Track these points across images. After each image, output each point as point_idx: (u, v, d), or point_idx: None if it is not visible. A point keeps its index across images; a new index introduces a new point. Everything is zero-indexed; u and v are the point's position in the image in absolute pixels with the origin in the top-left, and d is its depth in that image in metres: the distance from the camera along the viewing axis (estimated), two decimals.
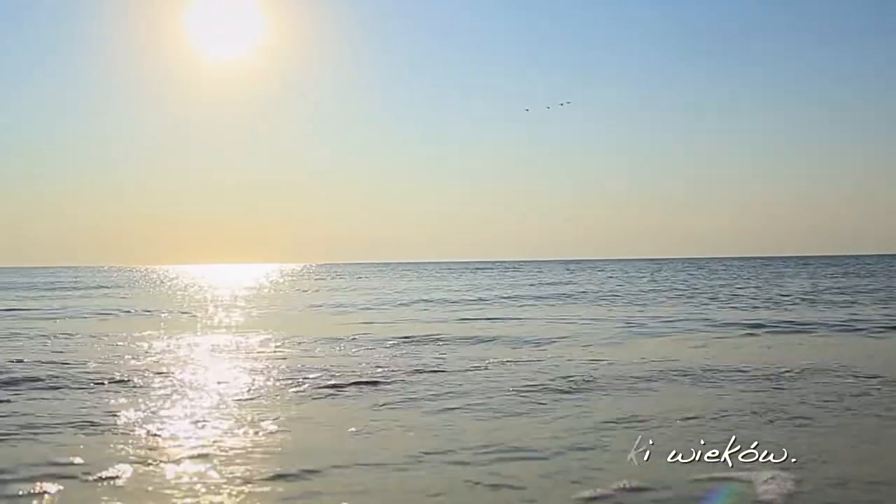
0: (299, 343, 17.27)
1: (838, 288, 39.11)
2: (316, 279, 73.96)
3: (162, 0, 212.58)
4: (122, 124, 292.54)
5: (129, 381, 11.71)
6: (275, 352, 15.76)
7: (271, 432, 8.14)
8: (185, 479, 6.44)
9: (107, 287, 57.37)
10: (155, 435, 8.05)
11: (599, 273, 74.77)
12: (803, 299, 31.14)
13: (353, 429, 8.27)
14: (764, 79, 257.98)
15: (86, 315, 27.81)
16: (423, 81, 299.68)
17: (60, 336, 19.43)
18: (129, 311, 29.55)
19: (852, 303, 28.56)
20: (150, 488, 6.19)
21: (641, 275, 67.75)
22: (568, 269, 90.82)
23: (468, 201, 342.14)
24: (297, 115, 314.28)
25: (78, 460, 6.92)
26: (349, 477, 6.44)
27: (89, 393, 10.76)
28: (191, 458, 7.09)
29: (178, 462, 6.94)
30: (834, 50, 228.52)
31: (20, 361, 14.12)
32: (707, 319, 22.49)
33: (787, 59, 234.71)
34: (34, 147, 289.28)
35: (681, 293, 37.19)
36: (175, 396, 10.43)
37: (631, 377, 11.73)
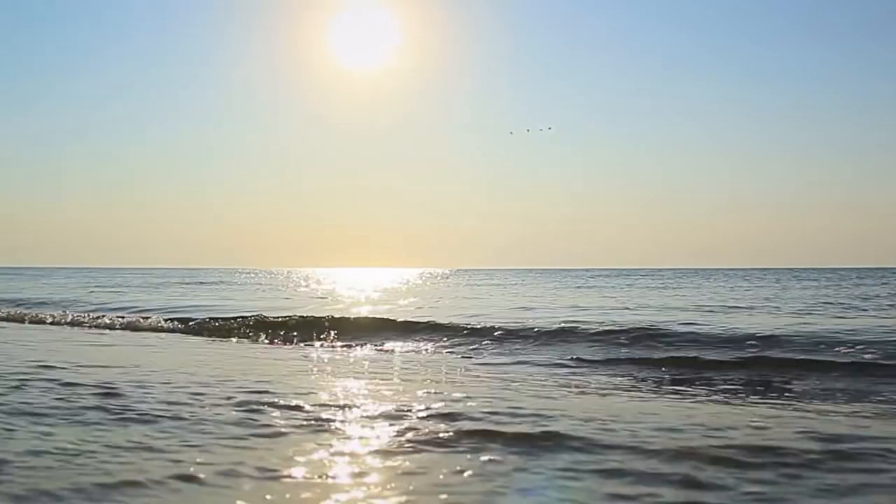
0: None
1: None
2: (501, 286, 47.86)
3: (306, 14, 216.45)
4: (267, 131, 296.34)
5: None
6: None
7: None
8: None
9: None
10: None
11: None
12: None
13: None
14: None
15: None
16: (560, 84, 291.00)
17: None
18: None
19: None
20: None
21: None
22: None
23: (606, 207, 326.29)
24: (437, 120, 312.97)
25: None
26: None
27: None
28: None
29: None
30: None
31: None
32: None
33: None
34: (180, 151, 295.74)
35: None
36: None
37: None
